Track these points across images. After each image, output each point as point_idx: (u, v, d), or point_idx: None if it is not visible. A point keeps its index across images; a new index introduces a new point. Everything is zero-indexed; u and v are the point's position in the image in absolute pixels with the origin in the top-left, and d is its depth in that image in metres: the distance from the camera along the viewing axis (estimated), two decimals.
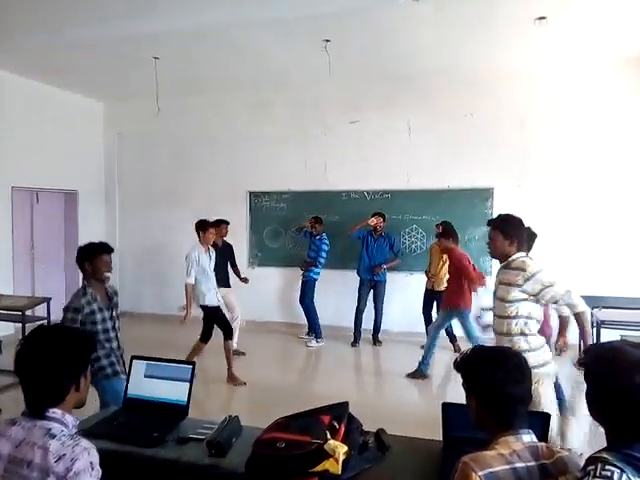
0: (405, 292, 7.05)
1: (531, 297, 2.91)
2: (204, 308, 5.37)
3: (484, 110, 6.74)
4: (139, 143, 8.39)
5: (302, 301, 6.93)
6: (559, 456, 1.44)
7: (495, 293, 3.11)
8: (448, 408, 2.05)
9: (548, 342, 3.84)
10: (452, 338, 6.39)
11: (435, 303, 6.51)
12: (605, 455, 1.28)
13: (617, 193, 6.34)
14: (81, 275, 3.27)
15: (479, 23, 5.15)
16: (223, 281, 6.11)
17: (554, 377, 3.02)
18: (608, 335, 4.50)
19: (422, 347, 6.57)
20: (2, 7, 4.81)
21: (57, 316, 6.51)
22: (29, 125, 7.18)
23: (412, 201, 7.12)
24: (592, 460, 1.29)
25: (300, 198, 7.59)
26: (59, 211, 8.10)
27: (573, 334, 3.44)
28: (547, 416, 1.93)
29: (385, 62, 6.42)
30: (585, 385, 1.40)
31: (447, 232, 5.86)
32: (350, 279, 6.96)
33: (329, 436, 1.79)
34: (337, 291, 7.26)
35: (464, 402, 1.63)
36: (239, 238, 7.37)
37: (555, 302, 2.94)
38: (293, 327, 7.47)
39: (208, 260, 5.37)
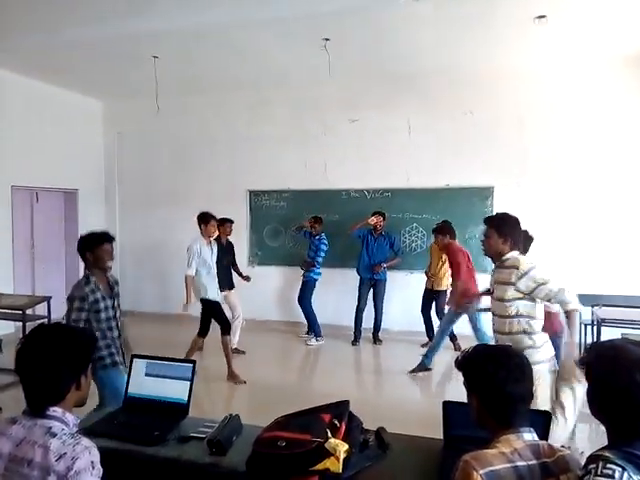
0: (405, 291, 7.06)
1: (526, 296, 2.90)
2: (204, 302, 5.33)
3: (484, 109, 6.74)
4: (139, 142, 8.39)
5: (300, 301, 6.93)
6: (560, 454, 1.44)
7: (493, 293, 3.11)
8: (449, 406, 2.04)
9: (559, 338, 3.84)
10: (452, 337, 6.38)
11: (434, 303, 6.52)
12: (606, 453, 1.28)
13: (617, 191, 6.34)
14: (81, 272, 3.27)
15: (479, 22, 5.15)
16: (227, 282, 6.11)
17: (554, 376, 3.02)
18: (609, 333, 4.49)
19: (422, 346, 6.62)
20: (0, 7, 4.80)
21: (57, 315, 6.53)
22: (29, 124, 7.17)
23: (412, 200, 7.12)
24: (593, 458, 1.30)
25: (300, 197, 7.59)
26: (59, 210, 8.10)
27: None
28: (548, 414, 1.93)
29: (385, 61, 6.42)
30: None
31: (443, 229, 5.85)
32: (350, 278, 6.96)
33: (330, 434, 1.79)
34: (337, 290, 7.26)
35: (465, 400, 1.63)
36: (239, 237, 7.36)
37: (549, 300, 2.91)
38: (293, 326, 7.47)
39: (210, 253, 5.35)
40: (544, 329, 3.02)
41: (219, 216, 6.27)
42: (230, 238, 6.47)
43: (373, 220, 6.62)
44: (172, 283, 7.43)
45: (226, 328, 5.32)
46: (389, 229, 6.86)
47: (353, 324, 6.85)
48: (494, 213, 3.24)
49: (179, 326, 6.74)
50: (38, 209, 7.67)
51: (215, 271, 5.41)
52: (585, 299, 5.74)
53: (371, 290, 6.87)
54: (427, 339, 6.65)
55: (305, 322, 7.07)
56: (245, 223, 7.81)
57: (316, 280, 6.87)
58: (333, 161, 7.41)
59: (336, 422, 1.88)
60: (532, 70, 6.52)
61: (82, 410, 1.70)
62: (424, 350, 6.50)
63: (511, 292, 2.91)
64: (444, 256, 6.09)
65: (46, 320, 5.36)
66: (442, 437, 2.04)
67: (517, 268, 2.88)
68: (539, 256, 4.01)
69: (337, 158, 7.38)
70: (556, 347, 3.30)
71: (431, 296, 6.50)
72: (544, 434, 1.80)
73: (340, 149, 7.37)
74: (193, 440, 2.05)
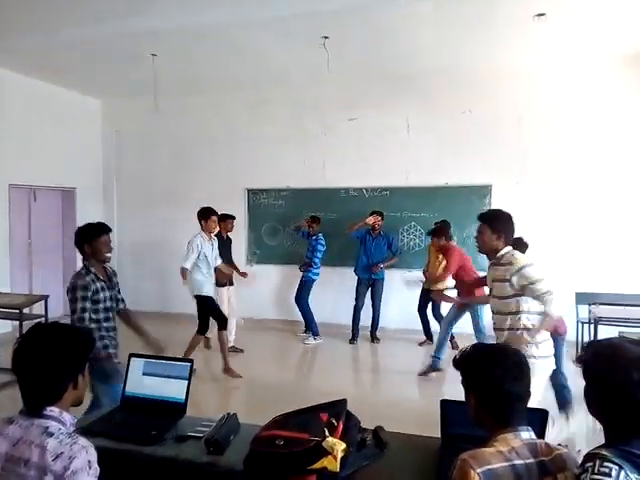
0: (403, 289, 7.07)
1: (518, 292, 2.90)
2: (198, 298, 5.31)
3: (483, 108, 6.74)
4: (138, 141, 8.37)
5: (297, 300, 6.93)
6: (557, 453, 1.44)
7: (491, 291, 3.11)
8: (446, 405, 2.05)
9: (563, 338, 3.84)
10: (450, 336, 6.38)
11: (431, 302, 6.51)
12: (603, 452, 1.28)
13: (615, 190, 6.35)
14: (79, 265, 3.26)
15: (478, 22, 5.15)
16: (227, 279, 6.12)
17: (549, 372, 3.02)
18: (606, 332, 4.50)
19: (420, 344, 6.63)
20: None
21: (55, 314, 6.55)
22: (27, 122, 7.15)
23: (410, 198, 7.12)
24: (590, 457, 1.30)
25: (299, 195, 7.58)
26: (57, 209, 8.08)
27: (571, 334, 3.45)
28: (545, 413, 1.93)
29: (384, 61, 6.41)
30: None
31: (438, 231, 5.82)
32: (348, 277, 6.96)
33: (327, 433, 1.79)
34: (335, 289, 7.26)
35: (462, 399, 1.63)
36: (237, 235, 7.35)
37: (536, 298, 2.90)
38: (291, 324, 7.47)
39: (211, 249, 5.33)
40: None
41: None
42: (230, 235, 6.47)
43: (371, 220, 6.61)
44: (171, 282, 7.41)
45: (223, 323, 5.32)
46: (387, 228, 6.86)
47: (351, 323, 6.85)
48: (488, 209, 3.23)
49: (178, 325, 6.73)
50: (36, 207, 7.65)
51: (213, 269, 5.40)
52: (582, 297, 5.85)
53: (369, 289, 6.87)
54: (424, 337, 6.67)
55: (303, 321, 7.08)
56: (243, 222, 7.80)
57: (314, 280, 6.87)
58: (332, 160, 7.40)
59: (334, 421, 1.88)
60: (531, 69, 6.52)
61: (79, 409, 1.70)
62: (422, 349, 6.54)
63: (508, 289, 2.91)
64: (440, 256, 6.09)
65: (43, 319, 5.34)
66: (440, 436, 2.04)
67: (512, 264, 2.89)
68: (537, 254, 4.02)
69: (336, 157, 7.38)
70: (557, 346, 3.30)
71: (428, 295, 6.50)
72: (541, 432, 1.81)
73: (339, 148, 7.36)
74: (191, 439, 2.05)
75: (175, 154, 8.18)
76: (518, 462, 1.38)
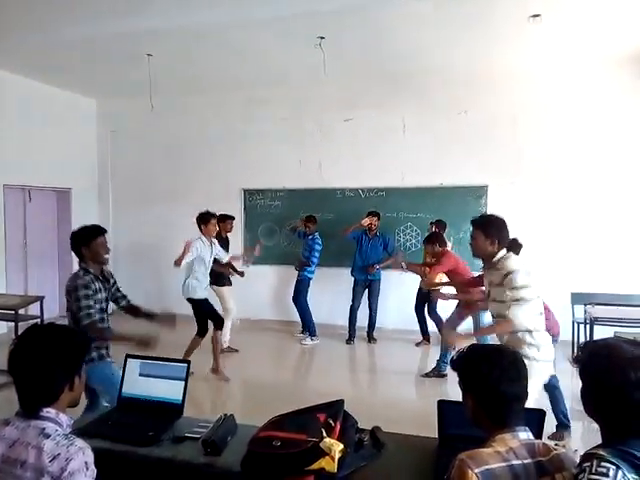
0: (400, 290, 7.06)
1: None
2: (192, 302, 5.30)
3: (478, 108, 6.76)
4: (134, 141, 8.35)
5: (295, 300, 6.92)
6: (555, 453, 1.44)
7: (489, 295, 3.10)
8: (444, 405, 2.05)
9: (556, 340, 3.85)
10: None
11: (427, 302, 6.51)
12: (601, 452, 1.29)
13: (610, 190, 6.37)
14: (76, 267, 3.24)
15: (475, 22, 5.15)
16: (227, 277, 6.14)
17: (546, 378, 3.01)
18: (602, 332, 4.52)
19: (417, 344, 6.63)
20: None
21: (50, 315, 6.52)
22: (21, 122, 7.11)
23: (406, 199, 7.13)
24: (588, 457, 1.30)
25: (295, 196, 7.58)
26: (52, 209, 8.04)
27: (567, 334, 3.45)
28: (542, 413, 1.94)
29: (381, 61, 6.41)
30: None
31: (432, 239, 5.74)
32: (345, 277, 6.96)
33: (325, 434, 1.79)
34: (332, 289, 7.26)
35: (460, 399, 1.64)
36: (234, 236, 7.34)
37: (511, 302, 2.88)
38: (288, 325, 7.46)
39: (209, 253, 5.32)
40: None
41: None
42: (228, 235, 6.46)
43: (367, 221, 6.61)
44: (167, 282, 7.39)
45: (220, 323, 5.33)
46: (383, 228, 6.86)
47: (348, 323, 6.85)
48: (489, 212, 3.21)
49: (176, 325, 6.69)
50: (31, 208, 7.61)
51: (209, 272, 5.39)
52: (578, 297, 5.87)
53: (365, 290, 6.87)
54: (421, 338, 6.68)
55: (300, 321, 7.07)
56: (240, 222, 7.79)
57: (310, 279, 6.87)
58: (328, 160, 7.40)
59: (331, 421, 1.88)
60: (527, 70, 6.54)
61: (76, 411, 1.69)
62: (419, 349, 6.55)
63: (506, 292, 2.92)
64: (435, 260, 6.08)
65: (39, 320, 5.32)
66: (437, 436, 2.04)
67: (504, 268, 2.90)
68: (533, 255, 4.03)
69: (332, 157, 7.38)
70: None
71: (424, 296, 6.51)
72: (539, 432, 1.82)
73: (335, 148, 7.37)
74: (188, 440, 2.05)
75: (171, 154, 8.16)
76: (516, 462, 1.39)
